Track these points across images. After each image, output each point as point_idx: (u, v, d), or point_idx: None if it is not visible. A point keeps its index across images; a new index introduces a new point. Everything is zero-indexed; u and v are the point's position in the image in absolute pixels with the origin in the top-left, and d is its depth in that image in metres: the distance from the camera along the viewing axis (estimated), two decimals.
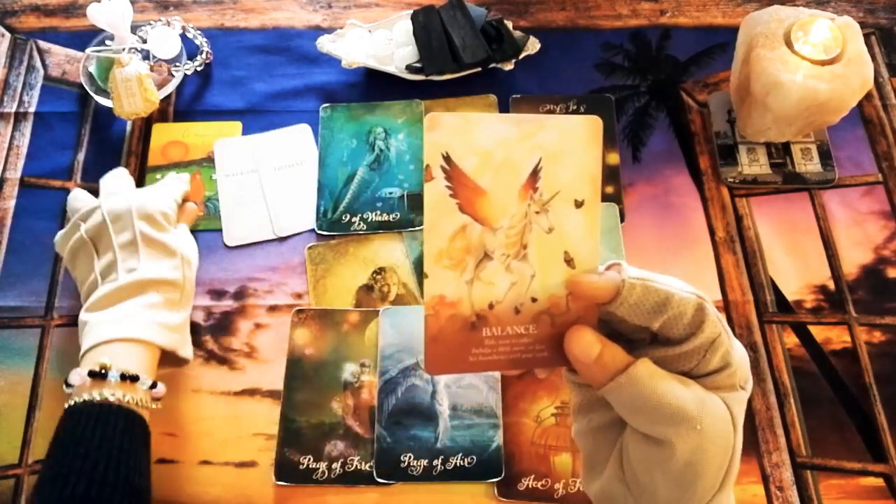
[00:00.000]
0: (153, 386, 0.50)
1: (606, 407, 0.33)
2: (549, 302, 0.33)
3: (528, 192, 0.32)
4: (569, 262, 0.33)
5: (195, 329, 0.60)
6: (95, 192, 0.59)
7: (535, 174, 0.32)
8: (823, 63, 0.59)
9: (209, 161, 0.68)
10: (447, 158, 0.31)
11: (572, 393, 0.36)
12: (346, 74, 0.72)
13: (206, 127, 0.70)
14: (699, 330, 0.31)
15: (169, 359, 0.54)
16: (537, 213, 0.32)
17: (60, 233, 0.57)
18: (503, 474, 0.55)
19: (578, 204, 0.33)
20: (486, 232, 0.32)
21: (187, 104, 0.71)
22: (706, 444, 0.31)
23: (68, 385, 0.48)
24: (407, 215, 0.65)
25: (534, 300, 0.33)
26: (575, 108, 0.71)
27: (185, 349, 0.55)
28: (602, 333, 0.33)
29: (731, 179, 0.67)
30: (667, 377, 0.31)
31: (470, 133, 0.31)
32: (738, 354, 0.33)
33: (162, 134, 0.69)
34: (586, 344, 0.32)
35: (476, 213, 0.32)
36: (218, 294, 0.62)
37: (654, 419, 0.31)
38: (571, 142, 0.32)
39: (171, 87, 0.70)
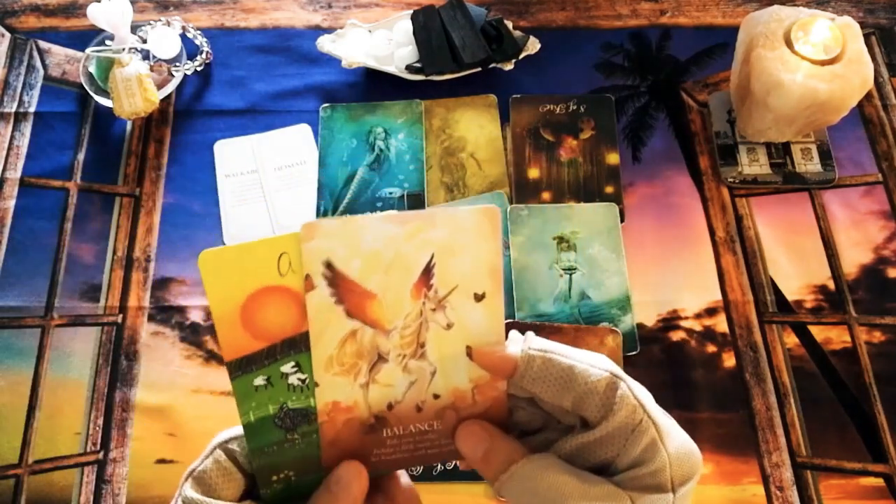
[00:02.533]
0: None
1: None
2: (454, 396, 0.32)
3: (421, 290, 0.30)
4: (472, 356, 0.32)
5: (195, 329, 0.60)
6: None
7: (427, 271, 0.30)
8: (823, 63, 0.59)
9: None
10: (329, 265, 0.29)
11: None
12: (346, 74, 0.73)
13: None
14: (611, 412, 0.29)
15: None
16: (433, 310, 0.31)
17: None
18: None
19: (479, 297, 0.31)
20: (378, 335, 0.31)
21: (187, 104, 0.71)
22: None
23: None
24: None
25: (436, 397, 0.32)
26: (575, 107, 0.71)
27: None
28: (533, 419, 0.31)
29: (731, 179, 0.67)
30: (557, 474, 0.28)
31: (352, 236, 0.29)
32: (676, 450, 0.29)
33: None
34: (474, 440, 0.31)
35: (366, 317, 0.30)
36: None
37: None
38: (466, 235, 0.30)
39: (171, 87, 0.70)
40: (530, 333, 0.31)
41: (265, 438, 0.32)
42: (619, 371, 0.30)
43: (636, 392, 0.30)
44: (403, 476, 0.34)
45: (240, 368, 0.30)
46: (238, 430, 0.32)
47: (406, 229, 0.30)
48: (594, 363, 0.30)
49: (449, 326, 0.31)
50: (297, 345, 0.31)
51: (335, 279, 0.30)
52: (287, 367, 0.31)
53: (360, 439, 0.32)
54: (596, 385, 0.29)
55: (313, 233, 0.29)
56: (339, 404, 0.31)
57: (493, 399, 0.32)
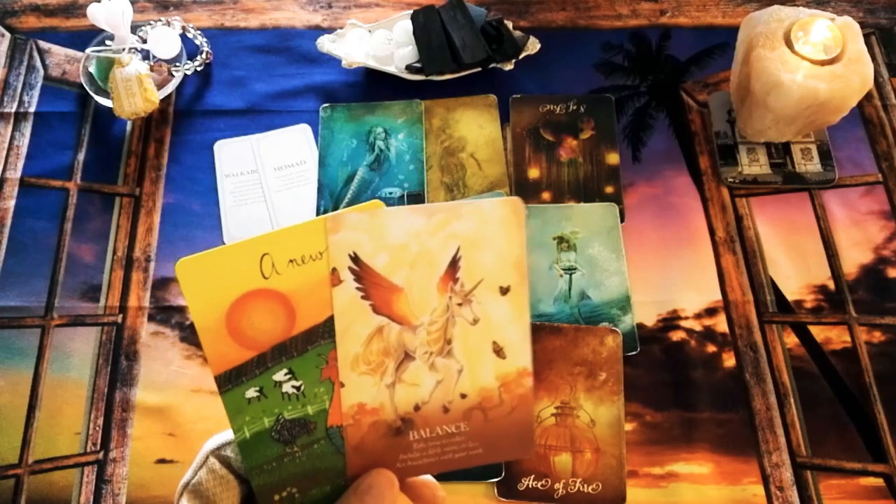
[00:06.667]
0: None
1: None
2: (480, 396, 0.32)
3: (447, 284, 0.30)
4: (498, 352, 0.31)
5: (195, 329, 0.60)
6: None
7: (454, 265, 0.30)
8: (823, 63, 0.59)
9: None
10: (355, 259, 0.29)
11: None
12: (346, 74, 0.73)
13: None
14: None
15: None
16: (460, 305, 0.30)
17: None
18: (503, 474, 0.55)
19: (504, 291, 0.31)
20: (405, 331, 0.30)
21: (187, 104, 0.71)
22: None
23: None
24: None
25: (463, 396, 0.31)
26: (575, 107, 0.71)
27: None
28: None
29: (731, 179, 0.67)
30: None
31: (379, 229, 0.29)
32: None
33: None
34: None
35: (392, 312, 0.30)
36: None
37: None
38: (491, 227, 0.30)
39: (171, 87, 0.70)
40: None
41: (263, 454, 0.30)
42: None
43: None
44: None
45: (229, 381, 0.29)
46: (228, 433, 0.30)
47: (432, 221, 0.29)
48: None
49: (475, 321, 0.31)
50: (287, 350, 0.29)
51: (362, 273, 0.29)
52: (280, 375, 0.30)
53: (386, 443, 0.31)
54: None
55: (339, 225, 0.28)
56: (365, 406, 0.31)
57: (520, 397, 0.32)
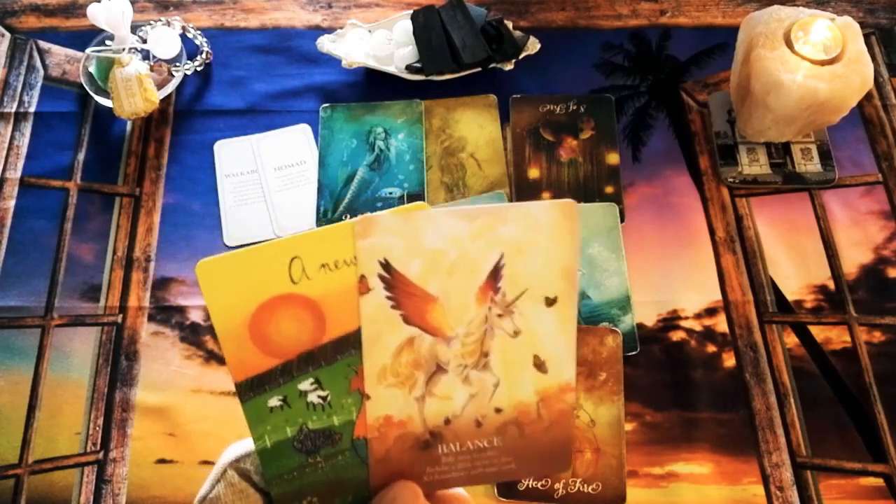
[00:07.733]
0: None
1: None
2: (517, 411, 0.30)
3: (487, 294, 0.28)
4: (539, 366, 0.29)
5: (195, 329, 0.60)
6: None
7: (496, 273, 0.28)
8: (823, 63, 0.59)
9: None
10: (386, 265, 0.27)
11: None
12: (346, 74, 0.73)
13: None
14: None
15: None
16: (500, 316, 0.28)
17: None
18: None
19: (550, 302, 0.28)
20: (438, 343, 0.28)
21: (187, 104, 0.71)
22: None
23: None
24: None
25: (498, 411, 0.30)
26: (575, 107, 0.71)
27: None
28: None
29: (731, 179, 0.67)
30: None
31: (413, 233, 0.27)
32: None
33: None
34: None
35: (425, 323, 0.28)
36: None
37: None
38: (540, 232, 0.27)
39: (171, 87, 0.70)
40: None
41: (284, 464, 0.29)
42: None
43: None
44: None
45: (251, 389, 0.28)
46: (246, 444, 0.30)
47: (473, 226, 0.27)
48: None
49: (516, 334, 0.29)
50: (315, 359, 0.28)
51: (393, 281, 0.27)
52: (305, 385, 0.28)
53: (412, 457, 0.30)
54: None
55: (369, 229, 0.26)
56: (392, 419, 0.29)
57: (560, 413, 0.30)
